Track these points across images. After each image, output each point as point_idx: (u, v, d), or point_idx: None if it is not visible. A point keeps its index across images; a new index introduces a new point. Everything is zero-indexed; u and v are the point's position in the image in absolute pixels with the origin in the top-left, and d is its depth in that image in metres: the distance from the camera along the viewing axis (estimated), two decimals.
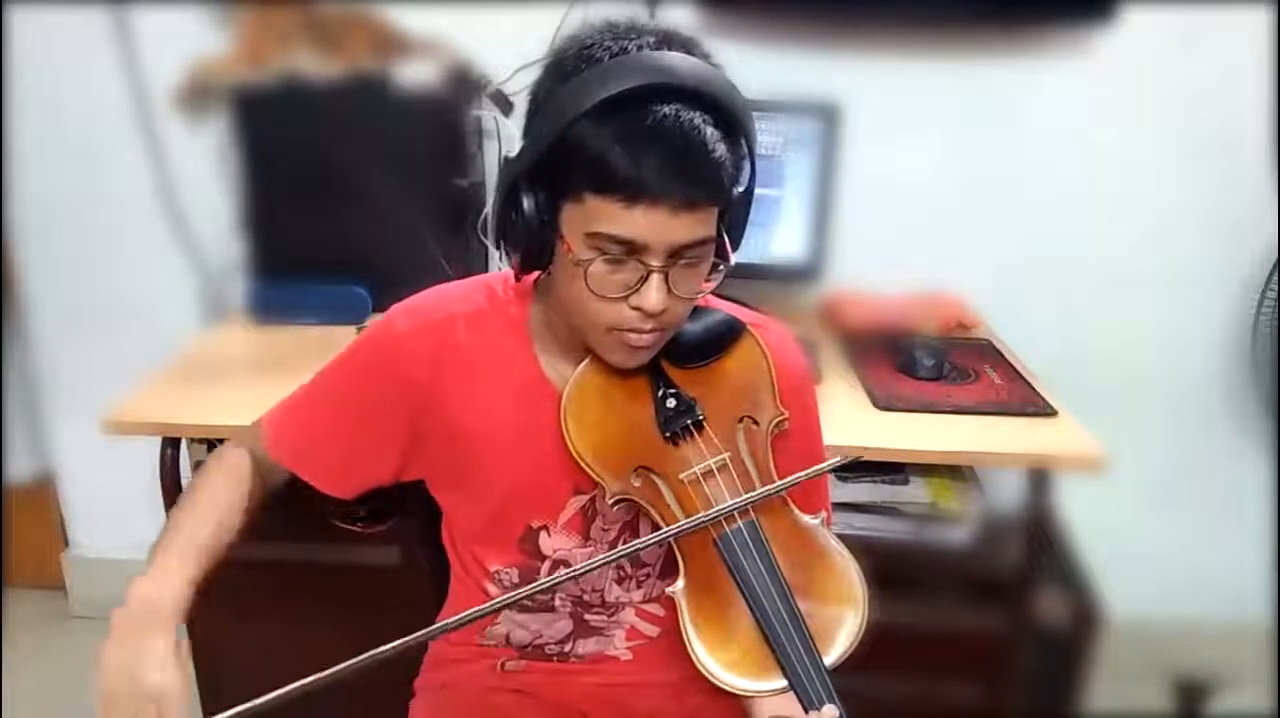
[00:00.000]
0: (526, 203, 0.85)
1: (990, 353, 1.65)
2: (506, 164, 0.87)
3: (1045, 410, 1.44)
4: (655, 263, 0.82)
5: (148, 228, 1.82)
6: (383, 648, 0.82)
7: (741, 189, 0.88)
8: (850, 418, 1.39)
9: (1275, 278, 1.75)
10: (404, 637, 0.85)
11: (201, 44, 1.64)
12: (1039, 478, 1.38)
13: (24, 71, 1.75)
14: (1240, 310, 1.84)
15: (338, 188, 1.57)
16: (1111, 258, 1.83)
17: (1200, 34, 1.68)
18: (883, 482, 1.47)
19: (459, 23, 1.65)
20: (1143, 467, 1.70)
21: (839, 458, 0.95)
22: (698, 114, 0.79)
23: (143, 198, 1.80)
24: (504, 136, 1.72)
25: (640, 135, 0.78)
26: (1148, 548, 1.88)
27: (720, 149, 0.81)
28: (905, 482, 1.49)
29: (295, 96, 1.56)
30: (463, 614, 0.88)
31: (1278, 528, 1.94)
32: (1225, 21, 1.67)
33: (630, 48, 0.81)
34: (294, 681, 0.83)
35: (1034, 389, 1.50)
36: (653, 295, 0.83)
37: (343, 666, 0.81)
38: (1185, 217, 1.80)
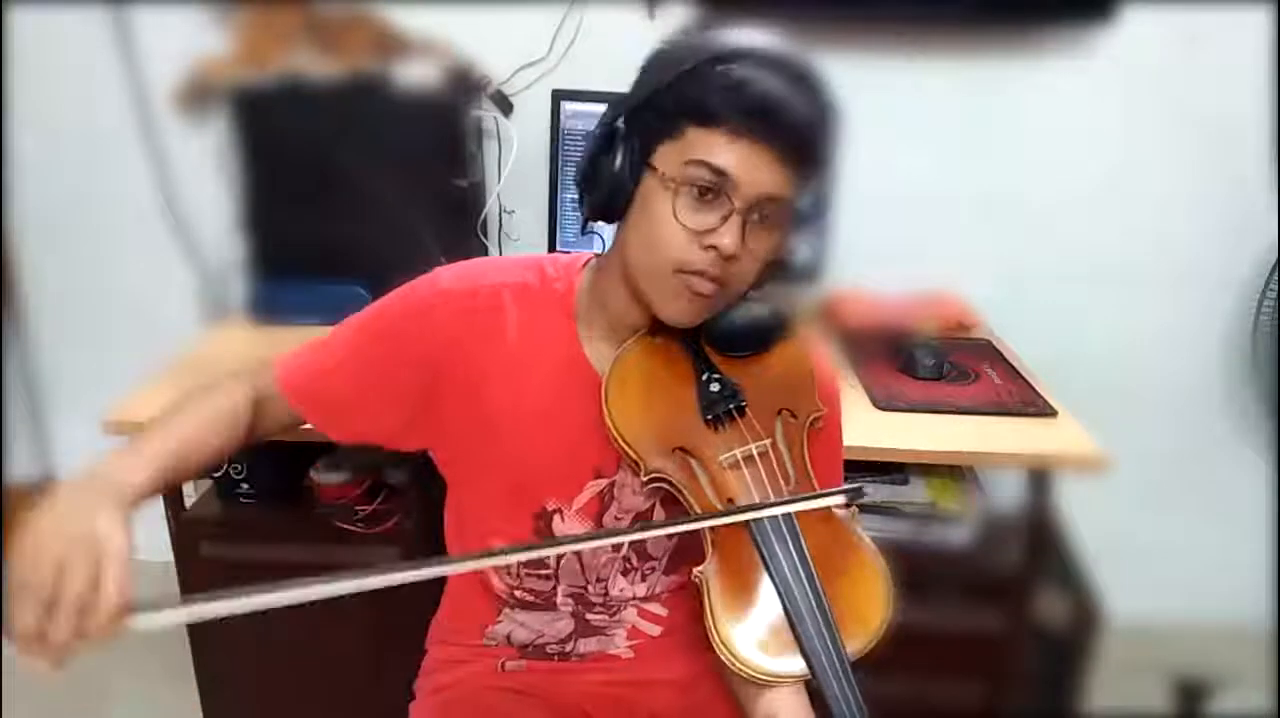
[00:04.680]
0: (620, 143, 0.90)
1: (990, 353, 1.65)
2: (611, 105, 0.92)
3: (1045, 410, 1.44)
4: (739, 203, 0.86)
5: (148, 228, 1.82)
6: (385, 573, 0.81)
7: (811, 197, 0.91)
8: (850, 418, 1.37)
9: (1275, 278, 1.75)
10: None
11: (201, 44, 1.64)
12: (1039, 478, 1.38)
13: (24, 72, 1.75)
14: (1240, 310, 1.84)
15: (337, 188, 1.57)
16: (1111, 258, 1.83)
17: (1200, 34, 1.68)
18: (883, 482, 1.47)
19: (459, 23, 1.65)
20: (1143, 467, 1.70)
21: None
22: (805, 94, 0.86)
23: (143, 198, 1.80)
24: (504, 137, 1.73)
25: (752, 82, 0.84)
26: (1148, 548, 1.88)
27: (819, 130, 0.87)
28: (905, 482, 1.49)
29: (295, 96, 1.56)
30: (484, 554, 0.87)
31: (1277, 528, 1.94)
32: (1225, 21, 1.67)
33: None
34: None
35: (1034, 389, 1.50)
36: (729, 236, 0.86)
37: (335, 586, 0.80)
38: (1185, 217, 1.81)
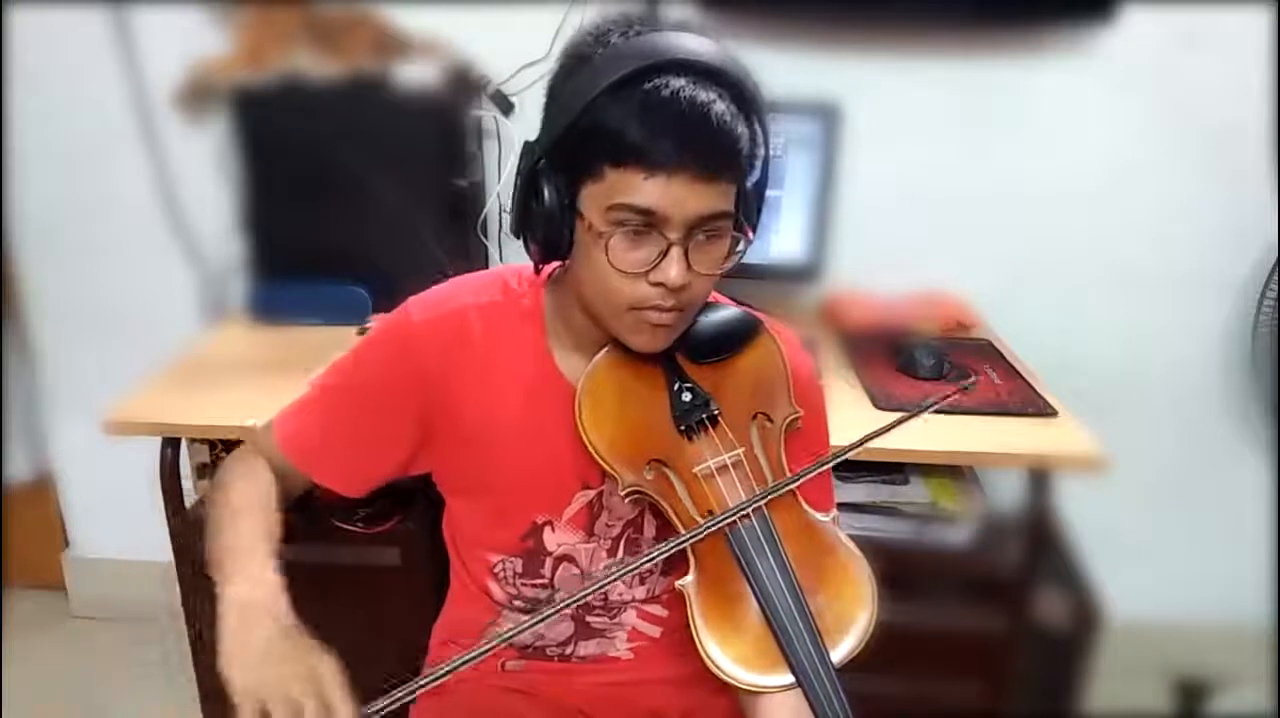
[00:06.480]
0: (546, 187, 0.86)
1: (990, 353, 1.65)
2: (524, 150, 0.88)
3: (1045, 410, 1.44)
4: (674, 235, 0.83)
5: (148, 229, 1.82)
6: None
7: (754, 177, 0.88)
8: (850, 418, 1.38)
9: (1275, 279, 1.75)
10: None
11: (201, 44, 1.64)
12: (1039, 478, 1.38)
13: (24, 72, 1.75)
14: (1240, 312, 1.84)
15: (337, 188, 1.57)
16: (1111, 258, 1.83)
17: (1200, 34, 1.68)
18: (883, 482, 1.47)
19: (459, 23, 1.65)
20: (1143, 467, 1.70)
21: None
22: (713, 90, 0.81)
23: (143, 199, 1.80)
24: (504, 137, 1.73)
25: (658, 106, 0.79)
26: (1148, 548, 1.88)
27: (738, 126, 0.82)
28: (905, 482, 1.49)
29: (295, 96, 1.56)
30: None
31: (1277, 529, 1.94)
32: (1225, 21, 1.67)
33: (645, 32, 0.83)
34: None
35: (1034, 389, 1.50)
36: (673, 269, 0.83)
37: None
38: (1185, 217, 1.80)
